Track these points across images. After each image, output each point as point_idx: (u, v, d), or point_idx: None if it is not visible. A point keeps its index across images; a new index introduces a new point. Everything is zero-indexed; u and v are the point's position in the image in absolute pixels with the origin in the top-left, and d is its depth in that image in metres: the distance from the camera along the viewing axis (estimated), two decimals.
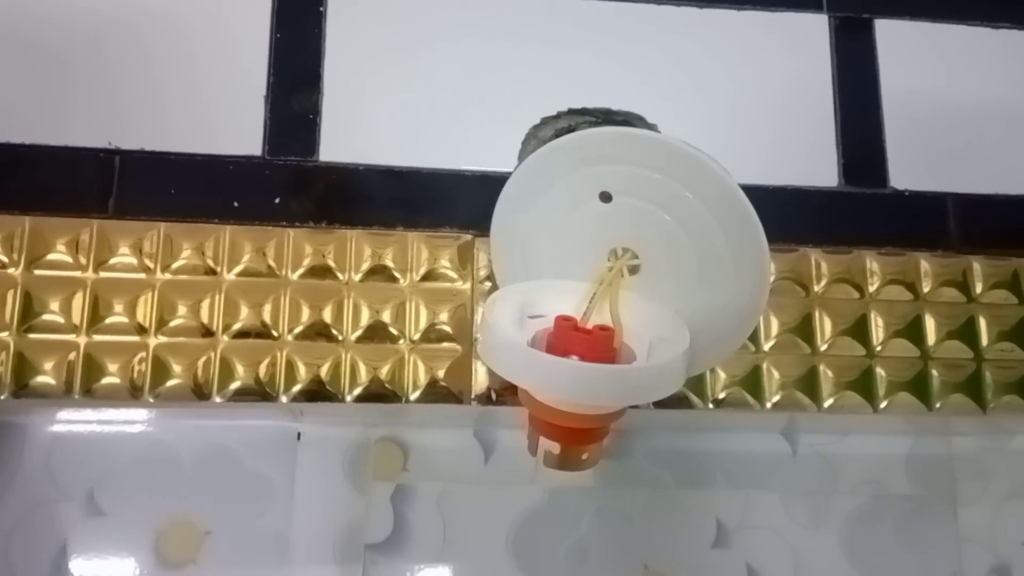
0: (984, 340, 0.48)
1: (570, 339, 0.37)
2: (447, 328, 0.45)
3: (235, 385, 0.43)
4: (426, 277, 0.46)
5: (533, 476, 0.55)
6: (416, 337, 0.45)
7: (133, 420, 0.51)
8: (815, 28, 0.51)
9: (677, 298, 0.40)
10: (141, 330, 0.43)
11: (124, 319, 0.43)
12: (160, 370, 0.43)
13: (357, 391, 0.44)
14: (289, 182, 0.45)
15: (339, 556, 0.53)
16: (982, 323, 0.48)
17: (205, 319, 0.44)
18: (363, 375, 0.44)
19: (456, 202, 0.46)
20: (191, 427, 0.52)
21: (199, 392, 0.43)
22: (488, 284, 0.46)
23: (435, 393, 0.45)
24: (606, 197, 0.39)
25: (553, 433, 0.38)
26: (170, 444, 0.52)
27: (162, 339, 0.43)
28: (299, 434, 0.54)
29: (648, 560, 0.55)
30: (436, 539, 0.54)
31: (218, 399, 0.43)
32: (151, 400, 0.43)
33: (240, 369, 0.43)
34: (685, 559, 0.55)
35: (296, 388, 0.44)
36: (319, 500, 0.53)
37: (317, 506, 0.53)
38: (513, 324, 0.38)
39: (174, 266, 0.44)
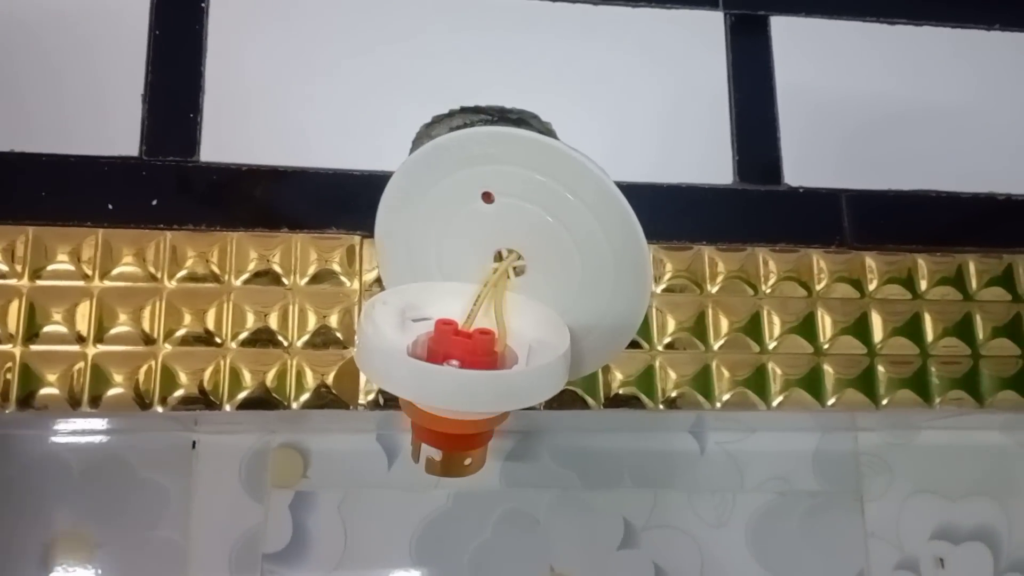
0: (878, 336, 0.48)
1: (450, 343, 0.37)
2: (335, 331, 0.44)
3: (112, 392, 0.42)
4: (313, 279, 0.45)
5: (438, 480, 0.55)
6: (303, 341, 0.44)
7: (18, 429, 0.49)
8: (711, 25, 0.51)
9: (563, 299, 0.40)
10: (9, 338, 0.42)
11: None
12: (30, 379, 0.41)
13: (241, 397, 0.43)
14: (168, 183, 0.44)
15: (236, 567, 0.51)
16: (876, 319, 0.49)
17: (80, 327, 0.42)
18: (247, 380, 0.43)
19: (343, 203, 0.45)
20: (80, 437, 0.51)
21: (73, 401, 0.41)
22: (378, 288, 0.45)
23: (322, 399, 0.44)
24: (488, 197, 0.39)
25: (435, 440, 0.37)
26: (57, 454, 0.51)
27: (35, 347, 0.42)
28: (194, 442, 0.52)
29: (554, 562, 0.55)
30: (336, 547, 0.53)
31: (88, 407, 0.41)
32: (32, 409, 0.41)
33: (117, 377, 0.42)
34: (592, 560, 0.55)
35: (177, 395, 0.42)
36: (215, 509, 0.52)
37: (213, 516, 0.52)
38: (394, 328, 0.37)
39: (47, 270, 0.42)
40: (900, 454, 0.59)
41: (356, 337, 0.43)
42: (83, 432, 0.50)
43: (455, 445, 0.38)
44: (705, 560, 0.56)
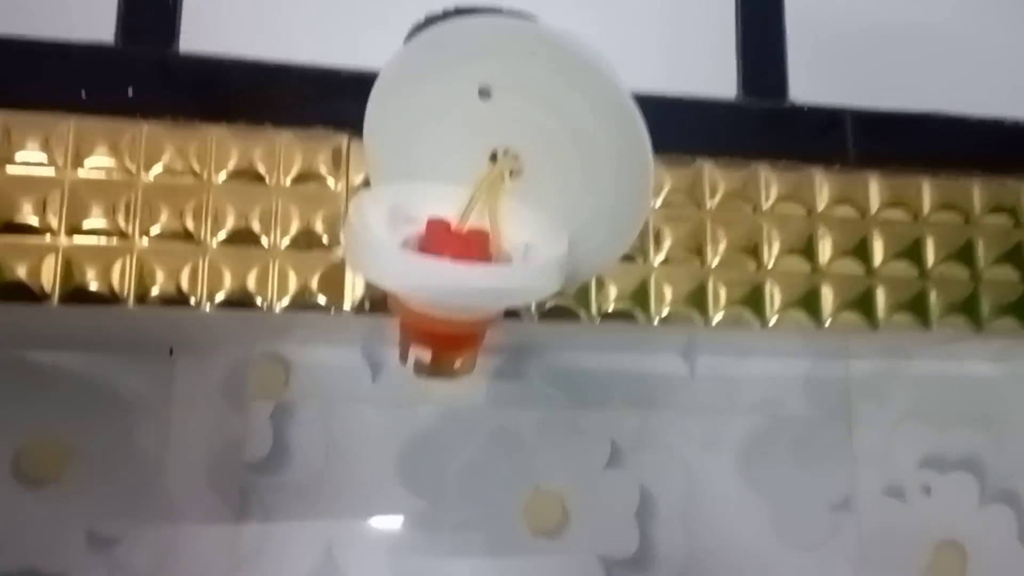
0: (878, 258, 0.47)
1: (442, 242, 0.35)
2: (320, 234, 0.43)
3: (85, 287, 0.40)
4: (298, 180, 0.43)
5: (424, 396, 0.54)
6: (286, 243, 0.42)
7: None
8: None
9: (559, 202, 0.38)
10: None
11: None
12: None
13: (219, 297, 0.41)
14: (145, 73, 0.42)
15: (215, 476, 0.50)
16: (877, 241, 0.47)
17: (50, 219, 0.40)
18: (228, 281, 0.42)
19: (330, 101, 0.43)
20: (53, 337, 0.49)
21: (43, 295, 0.40)
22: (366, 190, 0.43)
23: (305, 302, 0.42)
24: (485, 93, 0.37)
25: (424, 340, 0.36)
26: (30, 356, 0.49)
27: (3, 238, 0.40)
28: (171, 349, 0.51)
29: (540, 482, 0.54)
30: (318, 459, 0.52)
31: (58, 304, 0.39)
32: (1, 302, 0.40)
33: (90, 272, 0.40)
34: (578, 480, 0.54)
35: (154, 293, 0.41)
36: (194, 419, 0.51)
37: (192, 424, 0.51)
38: (383, 225, 0.36)
39: (15, 159, 0.40)
40: (891, 382, 0.58)
41: (343, 232, 0.41)
42: (55, 333, 0.48)
43: (445, 346, 0.36)
44: (693, 481, 0.55)
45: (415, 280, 0.33)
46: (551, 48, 0.35)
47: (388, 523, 0.52)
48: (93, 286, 0.40)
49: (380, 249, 0.34)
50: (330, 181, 0.43)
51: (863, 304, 0.47)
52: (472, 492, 0.53)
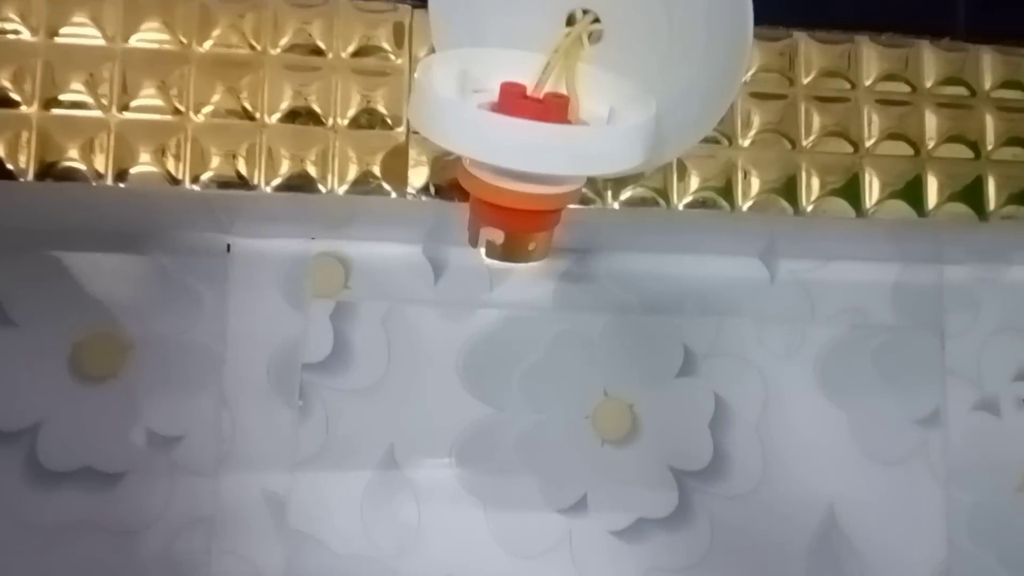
0: (990, 143, 0.43)
1: (518, 107, 0.32)
2: (383, 113, 0.40)
3: (138, 168, 0.38)
4: (357, 54, 0.40)
5: (488, 298, 0.51)
6: (347, 121, 0.40)
7: (40, 206, 0.46)
8: None
9: (643, 71, 0.35)
10: (26, 102, 0.38)
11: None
12: (49, 147, 0.38)
13: (276, 181, 0.39)
14: None
15: (274, 375, 0.49)
16: (989, 123, 0.43)
17: (102, 93, 0.38)
18: (285, 164, 0.39)
19: None
20: (109, 230, 0.48)
21: (95, 174, 0.38)
22: None
23: (367, 185, 0.39)
24: None
25: (497, 218, 0.33)
26: (87, 251, 0.48)
27: (55, 111, 0.38)
28: (228, 246, 0.49)
29: (608, 386, 0.51)
30: (379, 361, 0.50)
31: (112, 183, 0.37)
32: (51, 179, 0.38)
33: (144, 153, 0.38)
34: (648, 386, 0.52)
35: (209, 175, 0.38)
36: (252, 316, 0.49)
37: (250, 322, 0.49)
38: (453, 91, 0.33)
39: (63, 31, 0.38)
40: (987, 289, 0.54)
41: (411, 94, 0.38)
42: (110, 221, 0.47)
43: (519, 224, 0.34)
44: (770, 392, 0.52)
45: (490, 141, 0.30)
46: None
47: (451, 429, 0.50)
48: (145, 168, 0.38)
49: (451, 107, 0.31)
50: (392, 56, 0.40)
51: (971, 194, 0.43)
52: (538, 398, 0.51)
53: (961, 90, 0.43)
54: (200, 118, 0.38)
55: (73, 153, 0.38)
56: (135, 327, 0.48)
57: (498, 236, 0.34)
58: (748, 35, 0.33)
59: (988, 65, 0.43)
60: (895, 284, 0.53)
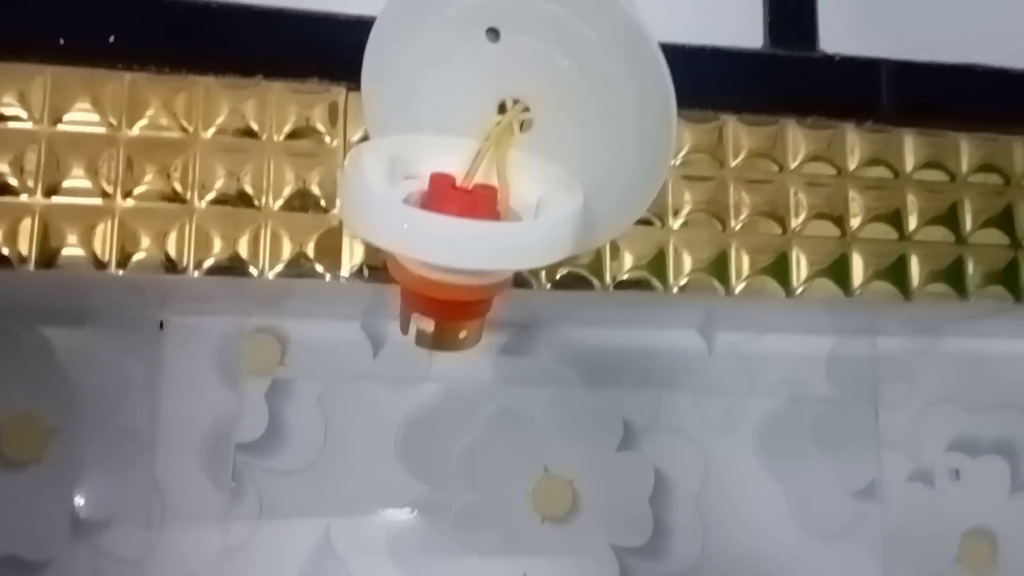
0: (913, 223, 0.44)
1: (447, 199, 0.32)
2: (316, 194, 0.40)
3: (65, 252, 0.37)
4: (292, 136, 0.40)
5: (427, 373, 0.51)
6: (279, 204, 0.39)
7: None
8: None
9: (574, 157, 0.35)
10: None
11: None
12: None
13: (208, 263, 0.38)
14: (127, 17, 0.39)
15: (206, 456, 0.48)
16: (911, 204, 0.44)
17: (27, 177, 0.37)
18: (217, 245, 0.39)
19: (327, 50, 0.40)
20: (34, 310, 0.46)
21: (20, 259, 0.37)
22: None
23: (301, 268, 0.39)
24: (493, 33, 0.34)
25: (427, 307, 0.33)
26: (9, 329, 0.46)
27: None
28: (161, 323, 0.48)
29: (548, 463, 0.51)
30: (316, 440, 0.49)
31: (35, 268, 0.37)
32: None
33: (71, 236, 0.37)
34: (588, 462, 0.51)
35: (139, 258, 0.38)
36: (185, 396, 0.48)
37: (182, 401, 0.48)
38: (383, 180, 0.33)
39: None
40: (921, 361, 0.55)
41: (339, 187, 0.38)
42: (34, 304, 0.46)
43: (449, 314, 0.33)
44: (709, 466, 0.52)
45: (416, 238, 0.30)
46: None
47: (389, 508, 0.49)
48: (73, 251, 0.37)
49: (378, 203, 0.31)
50: (327, 138, 0.40)
51: (896, 273, 0.44)
52: (477, 475, 0.50)
53: (884, 171, 0.44)
54: (129, 202, 0.38)
55: None
56: (61, 408, 0.46)
57: (429, 324, 0.34)
58: (672, 120, 0.33)
59: (910, 147, 0.45)
60: (830, 356, 0.54)
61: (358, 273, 0.40)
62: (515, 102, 0.35)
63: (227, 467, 0.48)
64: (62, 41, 0.38)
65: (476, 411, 0.51)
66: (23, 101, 0.38)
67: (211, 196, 0.39)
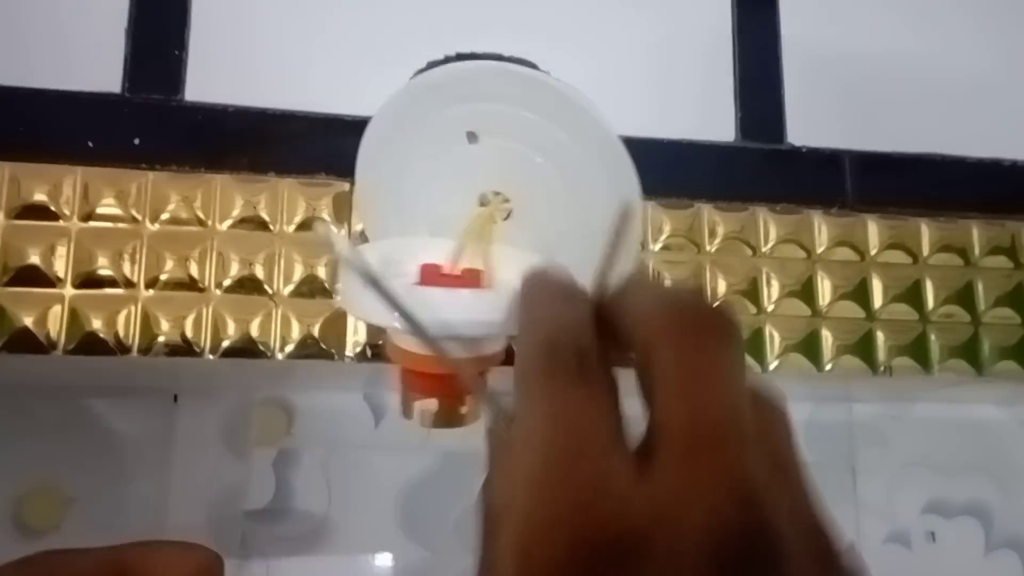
0: (878, 301, 0.47)
1: (437, 281, 0.35)
2: (323, 281, 0.43)
3: (90, 336, 0.40)
4: (301, 227, 0.43)
5: (426, 441, 0.53)
6: (289, 290, 0.43)
7: None
8: None
9: (551, 243, 0.38)
10: None
11: None
12: (3, 319, 0.40)
13: (224, 345, 0.41)
14: (151, 122, 0.42)
15: (215, 523, 0.50)
16: (876, 284, 0.48)
17: (57, 268, 0.41)
18: (231, 329, 0.42)
19: (333, 148, 0.44)
20: (54, 386, 0.49)
21: (49, 343, 0.40)
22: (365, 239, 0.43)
23: (308, 349, 0.42)
24: (472, 137, 0.37)
25: (427, 386, 0.36)
26: (29, 405, 0.49)
27: (10, 288, 0.40)
28: (175, 396, 0.51)
29: None
30: (320, 506, 0.51)
31: (62, 352, 0.40)
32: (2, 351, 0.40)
33: (96, 321, 0.41)
34: None
35: (159, 340, 0.41)
36: (195, 465, 0.51)
37: (193, 471, 0.50)
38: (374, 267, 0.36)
39: (23, 209, 0.41)
40: (895, 426, 0.58)
41: (339, 281, 0.42)
42: (57, 381, 0.48)
43: (448, 391, 0.36)
44: None
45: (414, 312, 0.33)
46: (536, 90, 0.35)
47: (389, 572, 0.51)
48: (99, 335, 0.41)
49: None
50: (333, 227, 0.43)
51: (863, 348, 0.47)
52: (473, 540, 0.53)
53: (850, 253, 0.48)
54: (151, 291, 0.41)
55: (28, 322, 0.40)
56: (78, 479, 0.49)
57: (431, 405, 0.36)
58: (635, 209, 0.36)
59: (874, 230, 0.48)
60: (807, 422, 0.57)
61: (362, 354, 0.43)
62: (496, 194, 0.38)
63: (236, 534, 0.50)
64: (91, 144, 0.42)
65: (473, 478, 0.53)
66: (54, 198, 0.41)
67: (227, 283, 0.42)
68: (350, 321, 0.43)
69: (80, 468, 0.49)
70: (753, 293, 0.46)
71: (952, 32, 0.52)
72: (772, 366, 0.46)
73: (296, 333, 0.42)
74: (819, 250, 0.47)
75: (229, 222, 0.43)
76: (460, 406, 0.37)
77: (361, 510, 0.52)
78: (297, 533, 0.51)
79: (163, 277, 0.42)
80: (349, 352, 0.43)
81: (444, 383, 0.36)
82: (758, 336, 0.46)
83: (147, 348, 0.41)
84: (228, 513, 0.50)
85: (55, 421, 0.50)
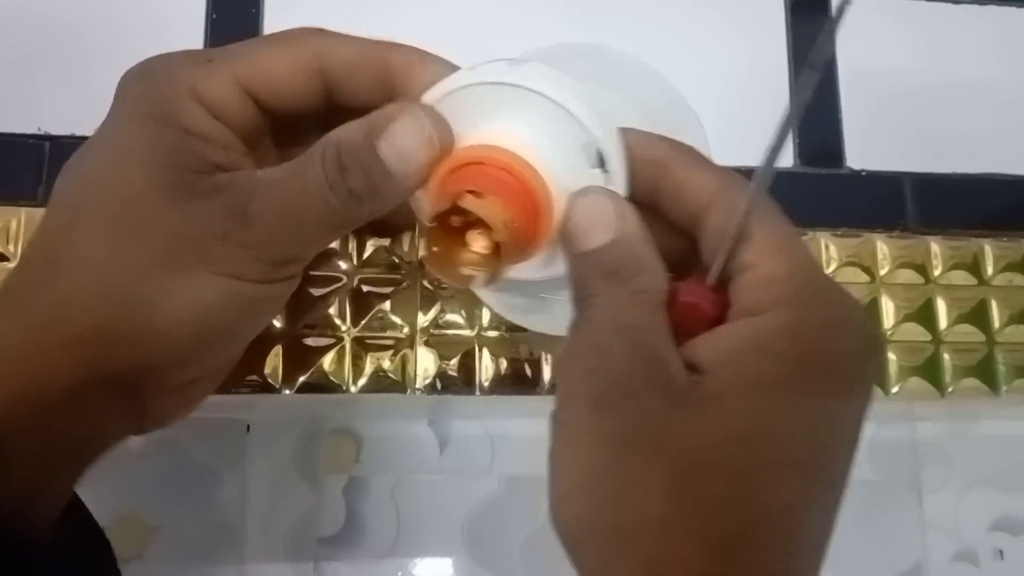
0: (943, 322, 0.47)
1: None
2: (392, 317, 0.44)
3: None
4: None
5: (490, 467, 0.54)
6: (360, 326, 0.44)
7: None
8: (771, 6, 0.50)
9: None
10: None
11: None
12: None
13: (300, 380, 0.43)
14: None
15: (290, 550, 0.51)
16: (941, 305, 0.48)
17: None
18: (307, 366, 0.43)
19: None
20: None
21: None
22: None
23: (379, 383, 0.43)
24: None
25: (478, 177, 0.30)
26: None
27: None
28: (248, 426, 0.53)
29: None
30: (390, 532, 0.53)
31: None
32: None
33: None
34: None
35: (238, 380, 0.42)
36: (270, 494, 0.52)
37: (268, 500, 0.52)
38: None
39: None
40: (959, 444, 0.58)
41: None
42: None
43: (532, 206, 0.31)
44: None
45: None
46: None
47: None
48: None
49: None
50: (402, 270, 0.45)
51: (929, 370, 0.47)
52: (540, 563, 0.53)
53: (914, 275, 0.48)
54: None
55: None
56: (159, 509, 0.51)
57: (477, 242, 0.31)
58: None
59: (937, 252, 0.48)
60: (871, 441, 0.57)
61: (430, 386, 0.44)
62: None
63: (310, 560, 0.51)
64: None
65: (536, 503, 0.54)
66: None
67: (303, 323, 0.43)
68: (417, 353, 0.44)
69: (163, 497, 0.51)
70: None
71: (1008, 53, 0.51)
72: None
73: (368, 367, 0.44)
74: (882, 272, 0.47)
75: None
76: (464, 264, 0.32)
77: (429, 533, 0.53)
78: (367, 559, 0.52)
79: None
80: (419, 385, 0.44)
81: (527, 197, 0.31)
82: None
83: (226, 388, 0.42)
84: (302, 539, 0.52)
85: (139, 453, 0.51)
